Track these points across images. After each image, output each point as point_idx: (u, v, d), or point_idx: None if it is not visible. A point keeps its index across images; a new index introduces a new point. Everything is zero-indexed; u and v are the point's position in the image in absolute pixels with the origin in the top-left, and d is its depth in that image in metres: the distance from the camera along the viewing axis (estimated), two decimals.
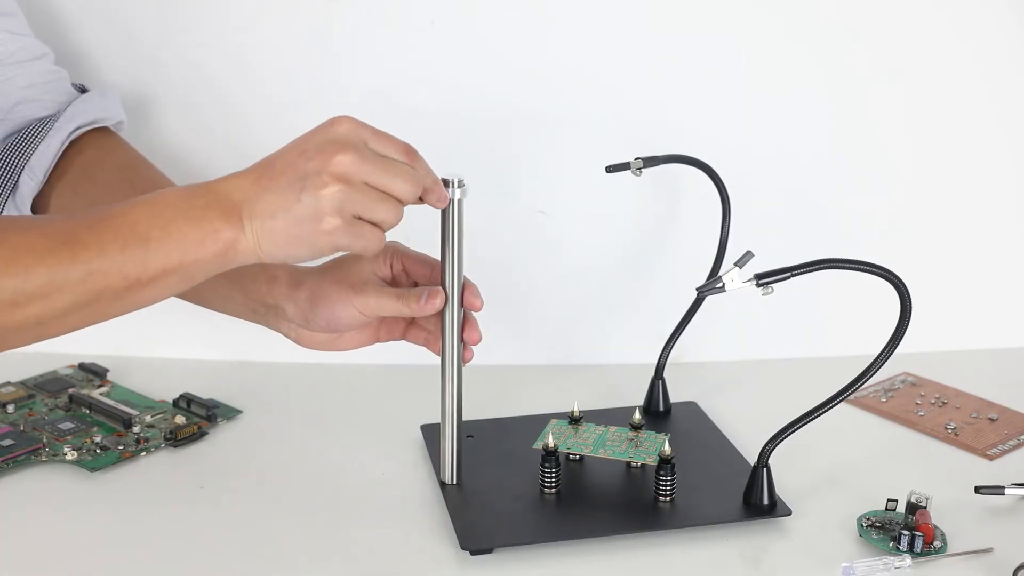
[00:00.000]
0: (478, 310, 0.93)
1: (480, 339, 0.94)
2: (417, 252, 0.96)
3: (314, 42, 1.15)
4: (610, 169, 1.04)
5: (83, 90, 1.08)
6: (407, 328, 0.97)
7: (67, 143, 1.02)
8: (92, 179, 1.03)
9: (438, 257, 0.92)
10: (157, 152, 1.12)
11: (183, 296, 0.99)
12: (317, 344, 0.97)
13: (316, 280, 0.95)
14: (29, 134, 1.01)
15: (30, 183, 1.01)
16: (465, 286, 0.93)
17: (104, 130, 1.06)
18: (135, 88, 1.16)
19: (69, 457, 1.00)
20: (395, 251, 0.95)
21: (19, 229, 0.81)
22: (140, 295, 0.82)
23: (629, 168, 1.04)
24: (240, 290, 0.97)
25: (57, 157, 1.02)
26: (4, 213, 1.01)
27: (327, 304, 0.94)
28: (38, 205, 1.03)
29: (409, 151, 0.85)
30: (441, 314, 0.93)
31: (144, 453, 1.02)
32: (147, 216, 0.80)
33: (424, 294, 0.91)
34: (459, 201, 0.90)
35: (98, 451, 1.02)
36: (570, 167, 1.19)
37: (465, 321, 0.93)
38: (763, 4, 1.17)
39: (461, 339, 0.93)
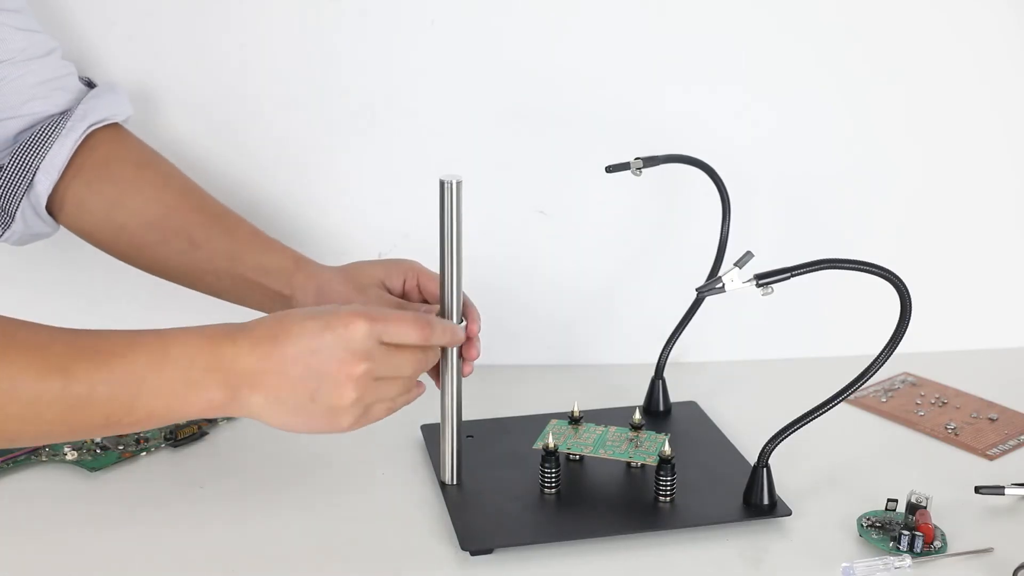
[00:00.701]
0: (473, 335, 0.93)
1: (478, 356, 0.94)
2: (433, 272, 0.97)
3: (314, 42, 1.15)
4: (610, 169, 1.04)
5: (90, 84, 1.08)
6: None
7: (80, 140, 1.03)
8: (108, 176, 1.04)
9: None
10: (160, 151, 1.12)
11: (197, 288, 1.05)
12: None
13: (329, 274, 1.00)
14: (43, 132, 1.02)
15: (45, 181, 1.02)
16: (467, 310, 0.93)
17: (115, 125, 1.07)
18: (138, 84, 1.15)
19: (69, 457, 1.00)
20: (411, 268, 0.99)
21: (19, 347, 0.79)
22: (118, 431, 0.83)
23: (629, 168, 1.04)
24: (260, 281, 1.02)
25: (71, 155, 1.02)
26: (19, 211, 1.02)
27: (330, 299, 0.98)
28: (53, 201, 1.03)
29: (423, 328, 0.84)
30: (440, 313, 0.93)
31: (144, 453, 1.02)
32: (145, 367, 0.79)
33: (420, 315, 0.92)
34: (457, 201, 0.89)
35: (98, 451, 1.02)
36: (570, 167, 1.19)
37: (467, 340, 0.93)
38: (763, 4, 1.17)
39: (460, 354, 0.93)
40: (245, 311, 1.03)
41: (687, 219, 1.21)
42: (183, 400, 0.80)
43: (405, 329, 0.83)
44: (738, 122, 1.19)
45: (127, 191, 1.04)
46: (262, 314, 0.99)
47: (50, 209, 1.03)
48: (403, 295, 1.00)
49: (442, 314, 0.92)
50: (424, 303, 0.99)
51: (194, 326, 0.82)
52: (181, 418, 0.81)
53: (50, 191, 1.02)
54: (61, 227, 1.06)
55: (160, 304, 1.16)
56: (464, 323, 0.92)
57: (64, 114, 1.03)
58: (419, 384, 0.87)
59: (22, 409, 0.78)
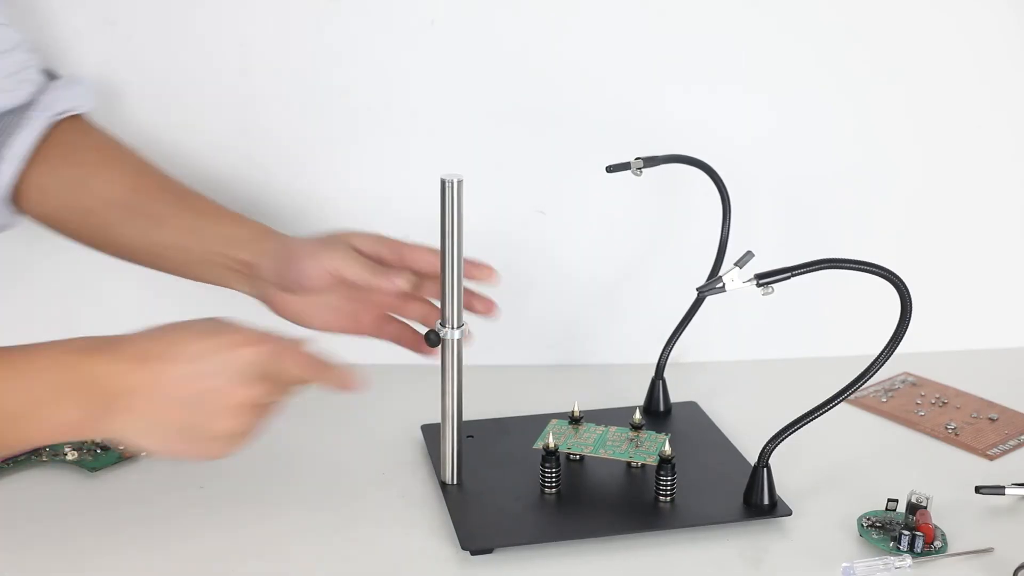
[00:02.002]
0: (491, 281, 0.93)
1: (492, 309, 0.94)
2: (396, 240, 0.98)
3: (314, 42, 1.15)
4: (610, 169, 1.04)
5: (52, 76, 1.09)
6: (384, 323, 0.99)
7: (44, 130, 1.03)
8: (71, 162, 1.04)
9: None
10: (161, 152, 1.13)
11: (161, 266, 1.04)
12: (291, 312, 0.99)
13: (297, 239, 0.99)
14: (6, 124, 1.02)
15: (8, 171, 1.02)
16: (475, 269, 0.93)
17: (78, 117, 1.07)
18: (137, 85, 1.15)
19: (69, 457, 1.00)
20: (380, 240, 0.98)
21: None
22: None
23: (629, 168, 1.04)
24: (226, 251, 1.00)
25: (35, 145, 1.03)
26: None
27: (296, 259, 0.97)
28: (16, 191, 1.03)
29: (318, 368, 0.83)
30: (441, 312, 0.93)
31: (144, 453, 1.02)
32: (4, 388, 0.77)
33: (392, 272, 0.93)
34: (458, 200, 0.89)
35: (98, 451, 1.02)
36: (570, 167, 1.19)
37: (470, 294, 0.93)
38: (763, 4, 1.17)
39: (459, 355, 0.93)
40: (214, 299, 1.03)
41: (687, 219, 1.20)
42: (41, 420, 0.77)
43: (299, 363, 0.82)
44: (738, 122, 1.19)
45: (90, 174, 1.04)
46: (229, 282, 1.00)
47: (16, 197, 1.04)
48: (380, 262, 0.98)
49: (442, 313, 0.93)
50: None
51: (64, 340, 0.78)
52: (35, 442, 0.79)
53: (14, 181, 1.02)
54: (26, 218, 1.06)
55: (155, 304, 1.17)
56: (464, 326, 0.92)
57: (28, 105, 1.04)
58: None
59: None
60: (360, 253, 0.97)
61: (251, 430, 0.83)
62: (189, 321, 0.82)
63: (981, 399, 1.15)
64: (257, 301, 1.01)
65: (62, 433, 0.78)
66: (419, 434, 1.05)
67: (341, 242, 0.98)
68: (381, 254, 0.98)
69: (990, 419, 1.11)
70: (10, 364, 0.77)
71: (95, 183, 1.04)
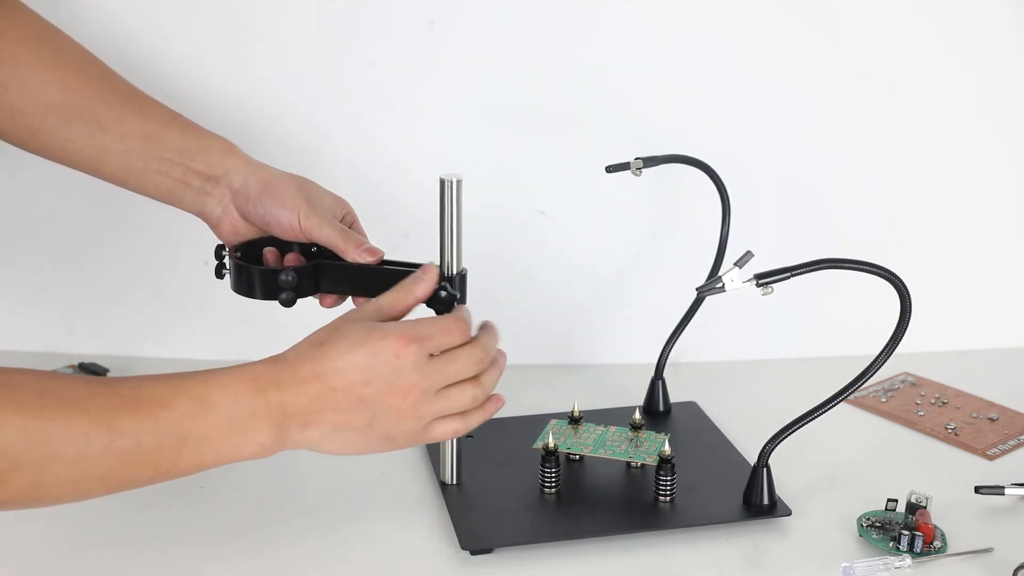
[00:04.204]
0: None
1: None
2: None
3: (314, 42, 1.15)
4: (610, 169, 1.04)
5: None
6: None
7: None
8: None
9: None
10: None
11: (102, 175, 0.97)
12: (233, 237, 0.96)
13: (278, 176, 0.95)
14: None
15: None
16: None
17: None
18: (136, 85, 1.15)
19: None
20: (350, 213, 0.97)
21: (56, 403, 0.74)
22: (167, 480, 0.79)
23: (629, 168, 1.04)
24: (181, 161, 0.95)
25: None
26: None
27: (276, 200, 0.94)
28: None
29: (464, 327, 0.82)
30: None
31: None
32: (190, 416, 0.77)
33: (366, 244, 0.92)
34: (458, 200, 0.89)
35: None
36: (570, 167, 1.19)
37: None
38: (763, 6, 1.17)
39: None
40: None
41: (687, 219, 1.21)
42: (232, 446, 0.78)
43: (448, 337, 0.81)
44: (738, 122, 1.19)
45: (19, 71, 0.95)
46: (173, 199, 0.95)
47: None
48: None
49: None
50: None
51: (235, 367, 0.79)
52: (232, 462, 0.79)
53: None
54: None
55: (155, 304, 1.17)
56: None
57: None
58: (495, 397, 0.85)
59: (67, 469, 0.74)
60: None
61: (437, 416, 0.81)
62: (341, 328, 0.81)
63: (981, 399, 1.15)
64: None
65: (254, 454, 0.79)
66: None
67: (322, 205, 0.95)
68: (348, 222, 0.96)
69: (990, 419, 1.11)
70: (197, 397, 0.77)
71: (26, 83, 0.95)
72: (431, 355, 0.80)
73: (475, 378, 0.83)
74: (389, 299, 0.84)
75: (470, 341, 0.83)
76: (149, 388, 0.77)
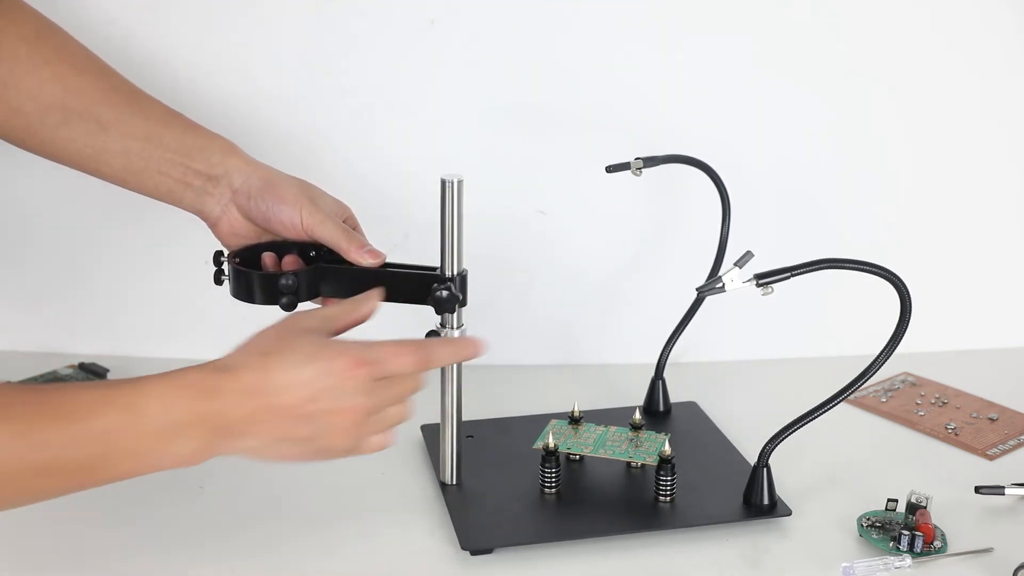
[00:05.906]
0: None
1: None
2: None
3: (314, 42, 1.15)
4: (610, 169, 1.04)
5: None
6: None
7: None
8: None
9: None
10: None
11: (103, 175, 0.97)
12: (235, 240, 0.95)
13: (279, 175, 0.95)
14: None
15: None
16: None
17: None
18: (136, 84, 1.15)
19: None
20: (351, 217, 0.97)
21: None
22: (93, 486, 0.78)
23: (629, 168, 1.04)
24: (182, 161, 0.95)
25: None
26: None
27: (278, 197, 0.93)
28: None
29: (421, 358, 0.81)
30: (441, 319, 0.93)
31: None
32: (117, 426, 0.74)
33: (369, 246, 0.91)
34: (458, 200, 0.89)
35: None
36: (570, 167, 1.19)
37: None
38: (764, 6, 1.17)
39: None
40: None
41: (687, 219, 1.21)
42: (160, 454, 0.76)
43: (403, 362, 0.80)
44: (738, 122, 1.19)
45: (18, 69, 0.94)
46: (173, 199, 0.95)
47: None
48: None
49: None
50: None
51: (170, 373, 0.77)
52: (161, 469, 0.77)
53: None
54: None
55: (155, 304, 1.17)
56: (464, 327, 0.92)
57: None
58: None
59: None
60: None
61: (372, 433, 0.81)
62: (289, 340, 0.79)
63: (981, 399, 1.15)
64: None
65: (179, 463, 0.77)
66: (419, 434, 1.05)
67: (324, 206, 0.94)
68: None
69: (990, 419, 1.11)
70: (126, 406, 0.75)
71: (24, 82, 0.94)
72: (379, 378, 0.79)
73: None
74: (336, 312, 0.83)
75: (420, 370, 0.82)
76: (77, 396, 0.76)
